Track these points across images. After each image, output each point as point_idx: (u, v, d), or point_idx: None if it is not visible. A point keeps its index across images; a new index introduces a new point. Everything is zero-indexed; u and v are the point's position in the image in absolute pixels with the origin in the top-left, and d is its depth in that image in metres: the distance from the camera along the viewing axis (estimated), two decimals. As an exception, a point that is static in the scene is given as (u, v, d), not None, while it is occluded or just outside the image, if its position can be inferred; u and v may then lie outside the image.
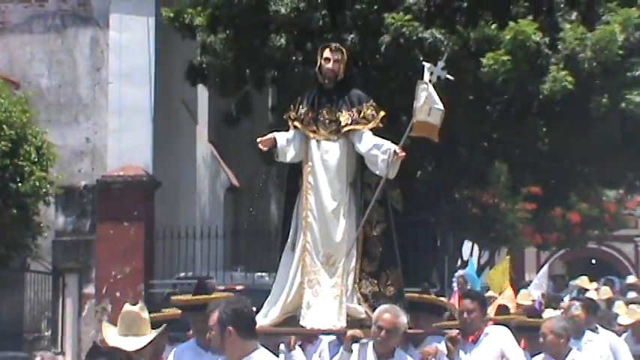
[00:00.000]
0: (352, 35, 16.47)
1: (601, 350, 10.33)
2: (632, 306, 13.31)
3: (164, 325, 6.99)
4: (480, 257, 29.10)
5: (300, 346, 9.07)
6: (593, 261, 38.13)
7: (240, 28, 16.95)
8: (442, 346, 8.19)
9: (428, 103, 8.39)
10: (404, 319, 7.78)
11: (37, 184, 15.85)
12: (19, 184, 15.65)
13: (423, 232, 19.24)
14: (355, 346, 7.90)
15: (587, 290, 16.41)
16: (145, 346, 6.65)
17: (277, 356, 8.19)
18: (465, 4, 16.98)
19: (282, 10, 16.31)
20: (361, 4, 16.68)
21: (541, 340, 8.58)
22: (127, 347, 6.61)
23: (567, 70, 15.76)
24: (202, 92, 21.60)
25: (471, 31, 16.28)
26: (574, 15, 16.73)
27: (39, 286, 19.15)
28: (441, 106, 8.46)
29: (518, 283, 21.70)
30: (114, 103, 19.39)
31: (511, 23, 15.93)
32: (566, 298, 15.76)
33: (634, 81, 15.94)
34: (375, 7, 16.60)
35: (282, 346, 8.67)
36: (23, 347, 18.17)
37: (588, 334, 10.37)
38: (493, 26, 16.14)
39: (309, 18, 16.42)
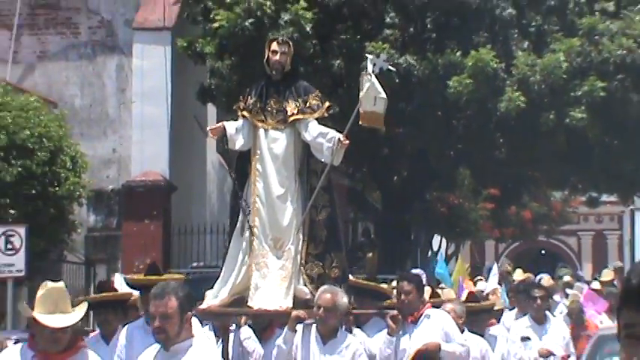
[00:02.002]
0: (338, 61, 16.55)
1: (563, 331, 10.32)
2: (568, 290, 13.46)
3: (86, 304, 5.57)
4: (447, 249, 29.31)
5: (251, 328, 8.01)
6: (543, 252, 38.29)
7: (244, 55, 16.77)
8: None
9: (372, 92, 7.83)
10: (344, 299, 7.19)
11: (72, 188, 15.62)
12: (57, 189, 15.36)
13: (399, 228, 19.38)
14: (300, 327, 7.34)
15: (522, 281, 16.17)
16: (71, 325, 5.27)
17: (227, 336, 7.77)
18: (434, 35, 17.07)
19: (280, 40, 16.42)
20: (346, 35, 16.71)
21: None
22: (55, 324, 5.20)
23: (520, 91, 15.90)
24: (211, 110, 21.63)
25: (439, 58, 16.35)
26: (526, 44, 16.82)
27: (73, 274, 18.79)
28: (384, 94, 7.90)
29: (478, 271, 21.89)
30: (136, 119, 19.33)
31: (472, 51, 16.05)
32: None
33: (576, 100, 16.05)
34: (358, 37, 16.66)
35: (233, 326, 7.96)
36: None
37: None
38: (458, 54, 16.24)
39: (301, 46, 16.55)
